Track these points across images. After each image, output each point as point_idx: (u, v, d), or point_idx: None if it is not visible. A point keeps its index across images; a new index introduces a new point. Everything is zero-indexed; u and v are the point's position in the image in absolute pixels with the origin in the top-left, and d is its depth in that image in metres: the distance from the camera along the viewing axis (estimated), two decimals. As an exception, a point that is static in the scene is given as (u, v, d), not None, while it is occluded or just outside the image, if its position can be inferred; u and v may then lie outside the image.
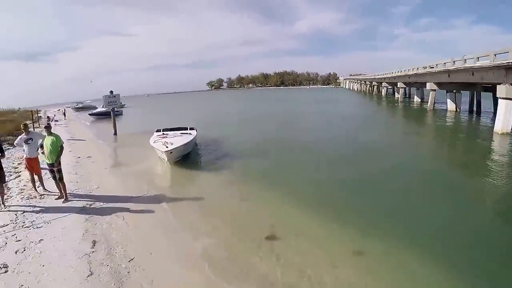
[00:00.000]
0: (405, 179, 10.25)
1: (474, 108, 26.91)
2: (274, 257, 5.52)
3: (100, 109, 41.64)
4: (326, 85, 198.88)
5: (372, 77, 71.72)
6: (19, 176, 10.91)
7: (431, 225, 6.86)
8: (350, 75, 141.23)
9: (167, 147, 12.20)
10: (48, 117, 35.02)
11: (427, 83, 31.02)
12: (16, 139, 8.84)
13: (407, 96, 49.53)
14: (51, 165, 8.13)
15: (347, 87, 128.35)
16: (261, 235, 6.27)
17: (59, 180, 8.24)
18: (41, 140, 8.75)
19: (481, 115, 25.39)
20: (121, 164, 13.54)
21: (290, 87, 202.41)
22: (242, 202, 8.43)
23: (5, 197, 8.14)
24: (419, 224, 6.91)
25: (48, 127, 8.31)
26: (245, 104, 54.66)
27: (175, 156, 12.43)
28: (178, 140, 13.48)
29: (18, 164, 12.81)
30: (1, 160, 7.42)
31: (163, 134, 15.39)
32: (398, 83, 44.99)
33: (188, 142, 13.52)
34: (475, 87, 26.17)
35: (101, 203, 8.21)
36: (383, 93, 59.61)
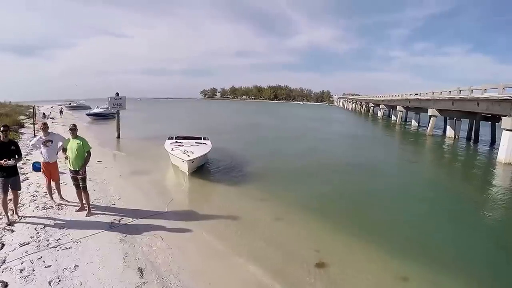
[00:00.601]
0: (436, 208, 10.24)
1: (472, 136, 27.47)
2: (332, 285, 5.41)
3: (97, 109, 40.84)
4: (319, 102, 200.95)
5: (370, 98, 72.90)
6: (27, 179, 9.96)
7: (476, 254, 7.00)
8: (344, 94, 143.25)
9: (188, 155, 11.65)
10: (43, 113, 33.74)
11: (429, 109, 31.53)
12: (32, 139, 8.05)
13: (403, 119, 49.84)
14: (75, 172, 7.25)
15: (340, 105, 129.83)
16: (309, 261, 6.11)
17: (82, 189, 7.38)
18: (61, 142, 7.91)
19: (479, 143, 25.90)
20: (135, 172, 12.65)
21: (283, 101, 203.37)
22: (277, 222, 8.18)
23: (17, 204, 7.22)
24: (464, 252, 7.06)
25: (73, 130, 7.29)
26: (248, 118, 53.73)
27: (195, 165, 12.00)
28: (198, 149, 12.94)
29: (23, 163, 11.86)
30: (13, 160, 6.39)
31: (177, 141, 14.76)
32: (398, 107, 45.63)
33: (208, 152, 13.16)
34: (475, 116, 26.59)
35: (130, 219, 7.38)
36: (379, 115, 60.28)
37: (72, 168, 7.22)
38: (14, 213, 6.92)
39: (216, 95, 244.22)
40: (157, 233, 6.64)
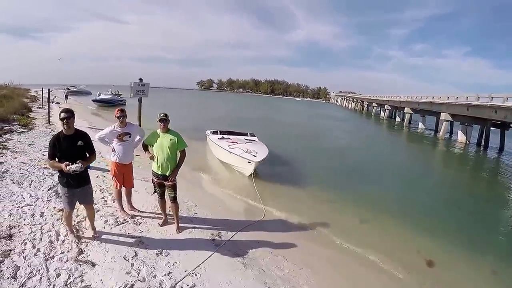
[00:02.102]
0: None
1: (482, 142, 27.35)
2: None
3: (103, 96, 38.77)
4: (316, 98, 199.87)
5: (374, 98, 71.46)
6: None
7: None
8: (340, 91, 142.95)
9: (255, 156, 10.46)
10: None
11: (441, 113, 31.55)
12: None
13: (402, 120, 49.81)
14: (163, 178, 5.47)
15: (338, 103, 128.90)
16: (417, 260, 6.33)
17: (172, 200, 5.63)
18: (139, 137, 6.05)
19: (488, 149, 25.93)
20: (190, 170, 11.08)
21: (280, 96, 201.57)
22: (365, 224, 8.04)
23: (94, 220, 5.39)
24: None
25: (164, 121, 5.38)
26: (256, 112, 51.79)
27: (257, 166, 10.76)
28: (259, 148, 11.57)
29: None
30: (80, 163, 4.23)
31: (224, 137, 13.35)
32: (405, 108, 45.01)
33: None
34: (485, 122, 26.62)
35: (229, 232, 6.09)
36: (382, 115, 59.55)
37: (159, 172, 5.45)
38: (91, 229, 5.19)
39: (212, 86, 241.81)
40: (273, 250, 5.73)
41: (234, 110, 49.94)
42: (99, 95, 39.52)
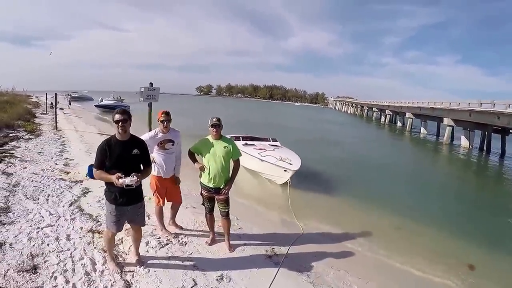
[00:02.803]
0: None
1: (485, 147, 27.45)
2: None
3: (106, 101, 37.95)
4: (314, 103, 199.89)
5: (375, 103, 71.64)
6: (87, 191, 6.93)
7: None
8: (338, 97, 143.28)
9: (290, 164, 9.62)
10: (51, 103, 29.96)
11: (444, 118, 31.75)
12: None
13: (403, 125, 50.60)
14: (215, 191, 4.66)
15: (337, 108, 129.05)
16: (458, 266, 6.11)
17: (224, 215, 4.83)
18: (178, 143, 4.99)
19: (490, 154, 26.05)
20: None
21: (279, 101, 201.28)
22: (400, 231, 7.75)
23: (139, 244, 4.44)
24: None
25: (217, 126, 4.56)
26: (261, 117, 50.97)
27: None
28: (291, 155, 10.74)
29: (64, 164, 8.70)
30: (135, 177, 3.39)
31: (247, 143, 12.26)
32: (407, 113, 45.16)
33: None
34: (486, 127, 26.93)
35: (281, 247, 5.41)
36: (383, 120, 59.64)
37: (210, 185, 4.62)
38: (135, 254, 4.23)
39: (211, 91, 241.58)
40: (331, 264, 5.22)
41: (237, 115, 48.87)
42: (101, 100, 38.60)
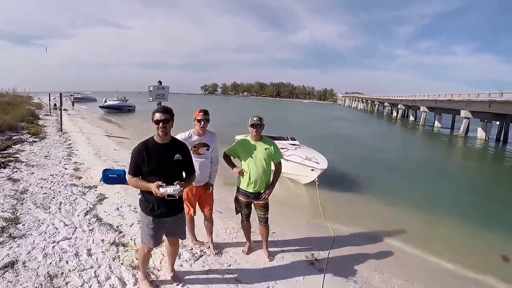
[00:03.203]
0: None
1: (502, 137, 28.22)
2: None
3: (111, 102, 37.92)
4: (323, 100, 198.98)
5: (386, 98, 71.80)
6: (103, 197, 6.44)
7: None
8: (346, 92, 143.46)
9: (318, 163, 9.42)
10: (55, 104, 29.78)
11: (461, 111, 31.96)
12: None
13: (415, 119, 51.41)
14: (254, 196, 4.33)
15: (346, 104, 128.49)
16: (491, 256, 6.26)
17: (262, 222, 4.50)
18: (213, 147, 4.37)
19: (507, 143, 26.67)
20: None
21: (286, 99, 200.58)
22: (430, 226, 7.77)
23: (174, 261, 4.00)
24: None
25: (258, 126, 4.21)
26: (274, 115, 50.52)
27: None
28: (316, 154, 10.52)
29: (76, 168, 8.23)
30: (178, 186, 2.95)
31: None
32: (421, 107, 45.54)
33: None
34: (505, 118, 27.51)
35: (320, 252, 5.15)
36: (395, 115, 60.33)
37: (250, 190, 4.29)
38: (170, 270, 3.76)
39: (217, 90, 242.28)
40: (375, 267, 5.04)
41: (245, 114, 48.31)
42: (105, 101, 38.36)
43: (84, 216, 5.43)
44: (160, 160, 3.02)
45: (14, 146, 10.32)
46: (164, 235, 3.34)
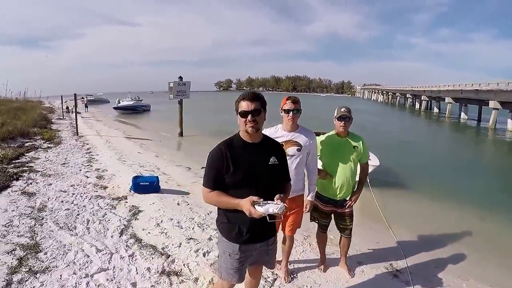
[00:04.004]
0: None
1: None
2: None
3: (125, 102, 37.81)
4: (340, 93, 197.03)
5: (409, 89, 70.71)
6: (139, 211, 5.54)
7: None
8: (364, 84, 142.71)
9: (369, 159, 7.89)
10: (67, 107, 29.51)
11: (490, 101, 31.33)
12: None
13: (439, 110, 50.39)
14: (338, 204, 3.75)
15: (365, 97, 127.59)
16: None
17: (348, 234, 3.90)
18: (309, 149, 3.47)
19: None
20: None
21: (303, 93, 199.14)
22: (484, 222, 7.38)
23: None
24: None
25: (346, 119, 3.59)
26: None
27: None
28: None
29: (99, 176, 7.38)
30: (281, 202, 2.08)
31: None
32: (446, 98, 44.83)
33: None
34: None
35: (397, 261, 4.58)
36: (418, 107, 59.74)
37: (334, 197, 3.71)
38: None
39: (231, 87, 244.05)
40: (457, 273, 4.53)
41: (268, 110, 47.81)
42: (119, 102, 38.05)
43: (119, 236, 4.50)
44: (252, 165, 2.26)
45: (27, 154, 9.55)
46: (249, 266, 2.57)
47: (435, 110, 51.26)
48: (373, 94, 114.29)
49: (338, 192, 3.64)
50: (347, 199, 3.72)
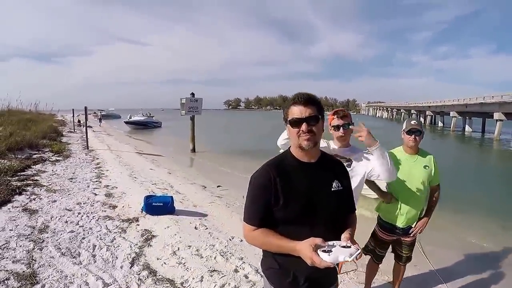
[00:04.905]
0: None
1: None
2: None
3: (136, 118, 37.65)
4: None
5: (413, 105, 72.64)
6: (151, 236, 4.91)
7: None
8: (369, 102, 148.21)
9: None
10: (79, 120, 29.27)
11: (495, 113, 32.03)
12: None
13: (443, 124, 52.56)
14: (402, 232, 3.17)
15: (370, 114, 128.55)
16: None
17: (404, 262, 3.35)
18: (364, 168, 2.74)
19: None
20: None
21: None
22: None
23: None
24: None
25: (417, 133, 3.00)
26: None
27: None
28: None
29: (108, 194, 6.76)
30: (355, 246, 1.51)
31: None
32: (451, 112, 46.16)
33: None
34: None
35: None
36: (424, 121, 59.62)
37: (398, 224, 3.11)
38: None
39: (240, 105, 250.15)
40: None
41: (279, 126, 47.51)
42: (130, 117, 37.96)
43: (130, 267, 3.81)
44: (311, 194, 1.67)
45: (33, 166, 8.99)
46: None
47: (440, 124, 53.23)
48: (377, 111, 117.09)
49: (404, 219, 3.08)
50: (413, 226, 3.16)
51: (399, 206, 3.09)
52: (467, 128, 40.82)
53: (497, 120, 31.65)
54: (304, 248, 1.47)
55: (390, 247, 3.36)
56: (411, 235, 3.20)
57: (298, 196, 1.64)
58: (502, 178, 14.56)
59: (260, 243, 1.68)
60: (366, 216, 5.90)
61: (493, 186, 12.71)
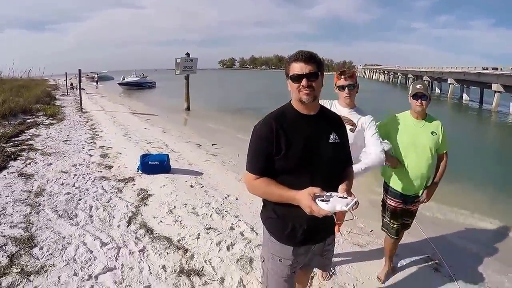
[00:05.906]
0: None
1: None
2: None
3: (130, 78, 37.22)
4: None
5: (411, 69, 70.92)
6: (148, 195, 4.86)
7: None
8: (365, 65, 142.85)
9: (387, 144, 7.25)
10: (71, 84, 28.56)
11: (493, 84, 31.08)
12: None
13: (440, 91, 51.09)
14: (411, 200, 3.02)
15: (366, 76, 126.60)
16: None
17: (403, 227, 3.18)
18: (371, 135, 2.81)
19: None
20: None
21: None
22: None
23: None
24: None
25: (424, 98, 2.85)
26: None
27: None
28: None
29: (104, 153, 6.71)
30: (353, 197, 1.55)
31: None
32: (449, 79, 44.50)
33: None
34: None
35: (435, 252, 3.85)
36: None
37: (409, 192, 2.97)
38: None
39: (235, 65, 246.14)
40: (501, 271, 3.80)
41: (272, 86, 46.86)
42: (123, 79, 37.26)
43: (127, 226, 3.82)
44: (310, 144, 1.73)
45: (28, 131, 8.86)
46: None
47: (437, 90, 51.33)
48: (374, 73, 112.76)
49: (412, 187, 2.94)
50: (420, 194, 3.03)
51: (404, 171, 2.96)
52: (464, 96, 39.19)
53: (495, 92, 30.94)
54: (303, 197, 1.51)
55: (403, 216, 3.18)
56: (418, 203, 3.10)
57: (298, 146, 1.69)
58: (501, 152, 14.10)
59: (261, 192, 1.73)
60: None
61: (491, 159, 12.28)
